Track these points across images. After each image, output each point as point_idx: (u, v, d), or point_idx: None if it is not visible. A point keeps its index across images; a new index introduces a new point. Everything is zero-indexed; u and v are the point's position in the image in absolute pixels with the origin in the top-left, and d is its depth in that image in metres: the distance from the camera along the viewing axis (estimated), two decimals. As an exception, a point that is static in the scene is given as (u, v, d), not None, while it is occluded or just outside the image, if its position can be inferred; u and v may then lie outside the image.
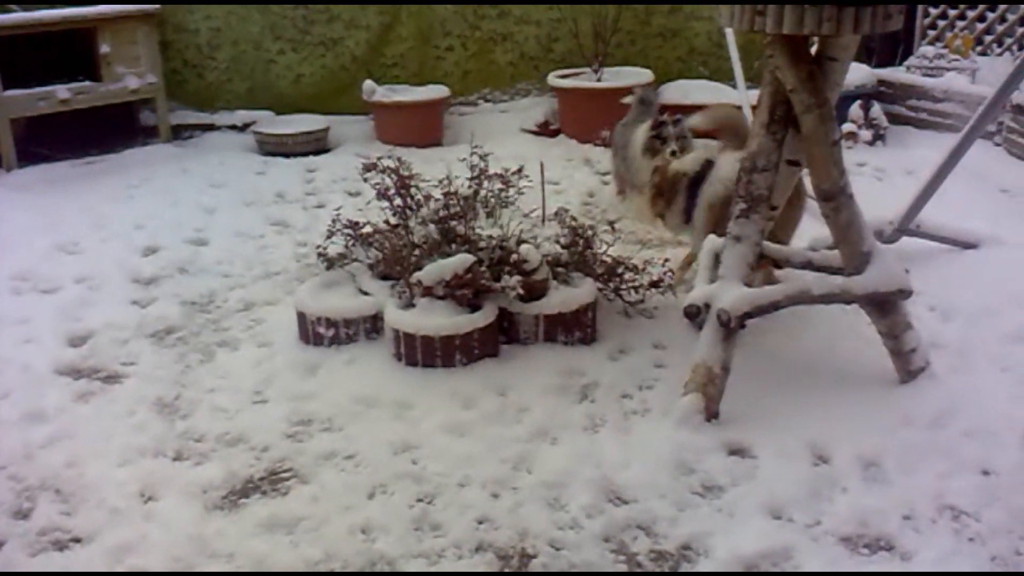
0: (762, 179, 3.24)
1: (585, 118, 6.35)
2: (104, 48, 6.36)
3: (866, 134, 6.24)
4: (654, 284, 3.82)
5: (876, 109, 6.30)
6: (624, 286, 3.84)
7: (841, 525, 2.67)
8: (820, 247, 3.93)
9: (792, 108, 3.18)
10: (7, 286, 4.33)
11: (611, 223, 4.03)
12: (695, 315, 3.29)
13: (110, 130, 6.68)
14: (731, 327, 3.14)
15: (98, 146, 6.53)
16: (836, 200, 3.19)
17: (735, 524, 2.69)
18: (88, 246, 4.82)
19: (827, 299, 3.28)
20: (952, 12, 7.05)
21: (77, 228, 5.01)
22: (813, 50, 3.23)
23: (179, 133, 6.96)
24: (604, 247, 3.88)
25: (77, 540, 2.71)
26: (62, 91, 6.22)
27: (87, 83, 6.36)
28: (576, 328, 3.66)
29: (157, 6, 6.56)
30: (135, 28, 6.48)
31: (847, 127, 6.15)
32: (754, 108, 3.40)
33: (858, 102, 6.28)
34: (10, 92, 6.03)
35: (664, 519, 2.72)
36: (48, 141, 6.42)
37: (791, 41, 3.07)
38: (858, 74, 6.31)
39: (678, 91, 6.59)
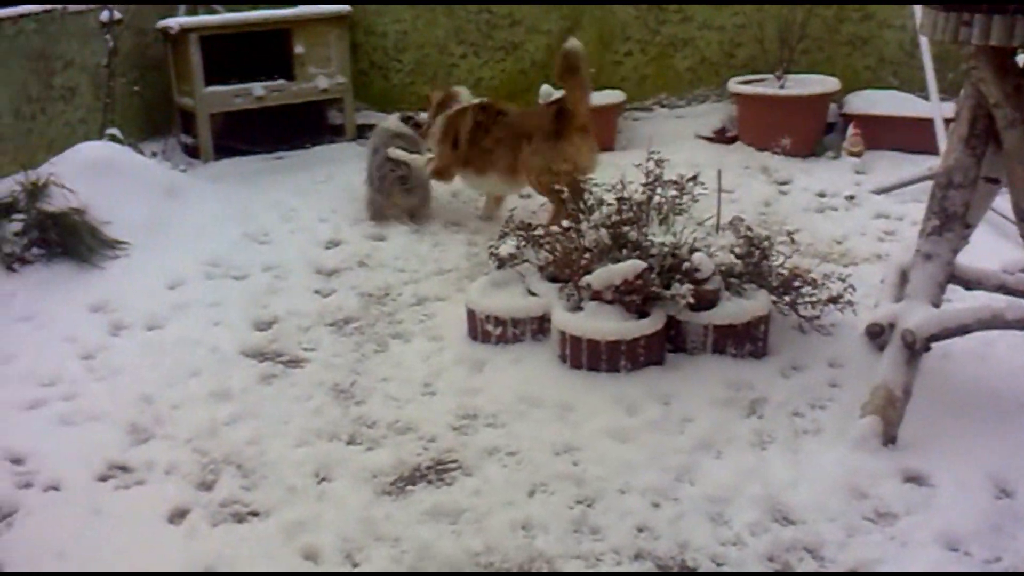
0: (958, 196, 3.09)
1: (765, 125, 6.19)
2: (299, 49, 6.68)
3: (1073, 151, 5.81)
4: (832, 300, 3.68)
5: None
6: (800, 300, 3.71)
7: (1023, 564, 2.50)
8: (1015, 270, 3.70)
9: (994, 123, 3.01)
10: (201, 271, 4.62)
11: (790, 234, 3.91)
12: (878, 334, 3.17)
13: (299, 127, 6.99)
14: (916, 349, 3.00)
15: (287, 143, 6.84)
16: (1037, 220, 3.00)
17: (907, 553, 2.58)
18: (276, 237, 5.08)
19: (1021, 325, 3.08)
20: None
21: (266, 219, 5.29)
22: (1021, 61, 3.04)
23: (363, 132, 7.18)
24: (781, 259, 3.77)
25: (255, 514, 2.86)
26: (258, 89, 6.59)
27: (281, 82, 6.70)
28: (747, 341, 3.58)
29: (349, 8, 6.84)
30: (328, 30, 6.78)
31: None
32: (948, 121, 3.24)
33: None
34: (211, 88, 6.44)
35: (832, 543, 2.63)
36: (242, 136, 6.81)
37: (998, 53, 2.91)
38: (1067, 87, 5.89)
39: (865, 101, 6.34)
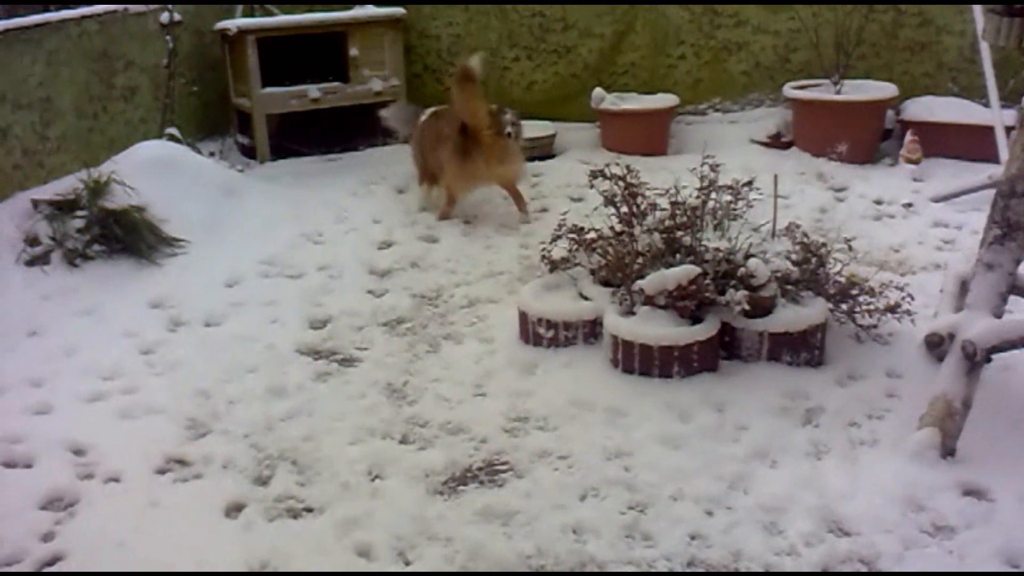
0: (1021, 205, 3.03)
1: (821, 131, 6.12)
2: (353, 51, 6.73)
3: None
4: (890, 309, 3.63)
5: None
6: (858, 309, 3.66)
7: (1087, 584, 2.46)
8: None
9: (1059, 130, 2.95)
10: (257, 269, 4.68)
11: (847, 241, 3.87)
12: (937, 344, 3.12)
13: (353, 129, 7.04)
14: (976, 360, 2.94)
15: (341, 144, 6.90)
16: (1105, 231, 2.94)
17: (966, 568, 2.54)
18: (330, 237, 5.13)
19: (1086, 338, 3.02)
20: None
21: (321, 219, 5.34)
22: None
23: (416, 134, 7.25)
24: (838, 266, 3.73)
25: (309, 510, 2.90)
26: (313, 91, 6.65)
27: (336, 84, 6.77)
28: (803, 349, 3.54)
29: (404, 11, 6.88)
30: (383, 33, 6.83)
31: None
32: (1009, 129, 3.18)
33: None
34: (267, 90, 6.51)
35: (889, 555, 2.59)
36: (297, 137, 6.88)
37: (1064, 58, 2.85)
38: None
39: (923, 107, 6.24)
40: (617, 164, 4.12)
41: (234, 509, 2.91)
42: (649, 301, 3.58)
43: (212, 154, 6.29)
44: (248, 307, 4.29)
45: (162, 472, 3.11)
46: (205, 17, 6.73)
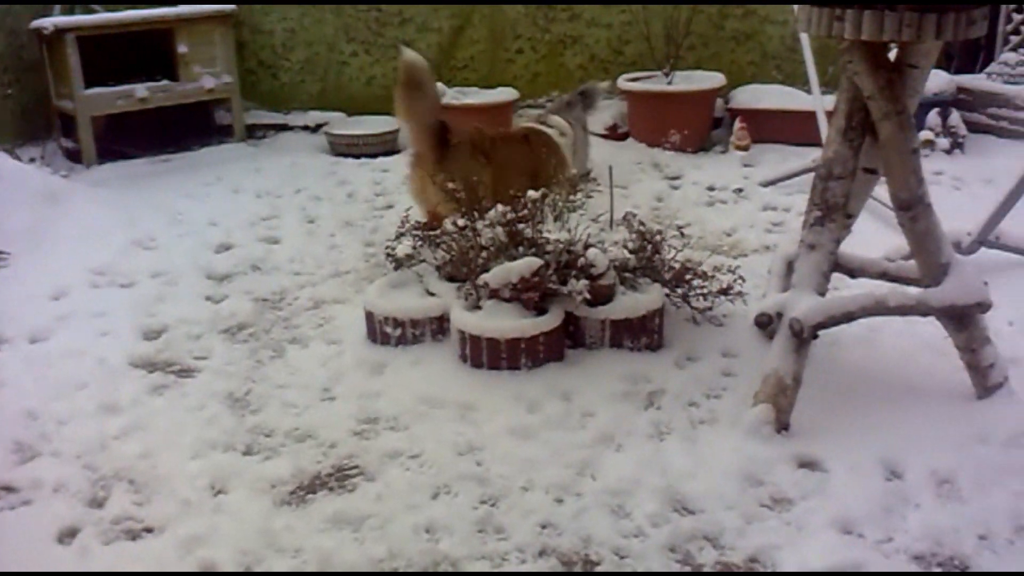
0: (838, 187, 3.18)
1: (655, 122, 6.31)
2: (182, 48, 6.49)
3: (944, 142, 6.09)
4: (723, 291, 3.77)
5: (955, 117, 6.14)
6: (692, 292, 3.79)
7: (914, 543, 2.61)
8: (896, 258, 3.85)
9: (869, 115, 3.12)
10: (85, 279, 4.45)
11: (680, 228, 3.99)
12: (766, 324, 3.24)
13: (186, 129, 6.81)
14: (803, 337, 3.08)
15: (174, 144, 6.66)
16: (914, 210, 3.13)
17: (804, 538, 2.64)
18: (164, 242, 4.93)
19: (903, 311, 3.20)
20: (1037, 17, 6.83)
21: (153, 224, 5.13)
22: (892, 55, 3.16)
23: (253, 133, 7.05)
24: (673, 252, 3.85)
25: (149, 530, 2.77)
26: (141, 90, 6.38)
27: (165, 82, 6.51)
28: (643, 334, 3.63)
29: (234, 7, 6.68)
30: (212, 29, 6.60)
31: (924, 135, 6.01)
32: (829, 114, 3.35)
33: (936, 109, 6.13)
34: (91, 90, 6.20)
35: (731, 531, 2.68)
36: (126, 139, 6.58)
37: (870, 47, 3.01)
38: (937, 81, 6.16)
39: (750, 95, 6.51)
40: (458, 158, 4.12)
41: (67, 535, 2.75)
42: (494, 294, 3.60)
43: (33, 160, 5.96)
44: (76, 320, 4.06)
45: (-14, 502, 2.92)
46: (19, 15, 6.33)
